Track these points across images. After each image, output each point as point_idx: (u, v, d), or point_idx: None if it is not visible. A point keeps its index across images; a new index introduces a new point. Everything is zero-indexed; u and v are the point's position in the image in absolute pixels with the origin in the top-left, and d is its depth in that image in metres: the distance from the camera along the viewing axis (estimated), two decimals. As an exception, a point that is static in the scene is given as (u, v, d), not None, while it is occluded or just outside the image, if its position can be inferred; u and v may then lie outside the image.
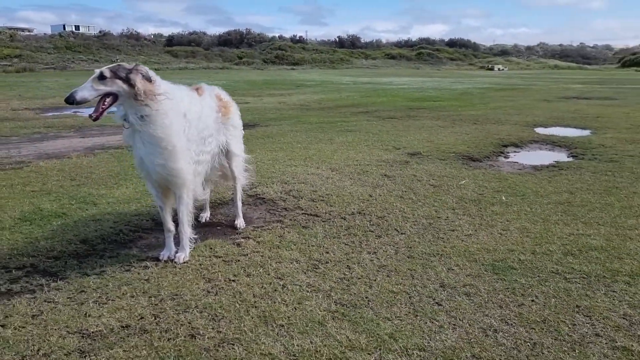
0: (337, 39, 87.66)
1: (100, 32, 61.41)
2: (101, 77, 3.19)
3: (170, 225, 3.84)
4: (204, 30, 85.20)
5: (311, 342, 2.61)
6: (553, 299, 3.07)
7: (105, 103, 3.24)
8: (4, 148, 7.94)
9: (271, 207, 5.02)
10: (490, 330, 2.74)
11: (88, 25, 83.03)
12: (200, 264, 3.63)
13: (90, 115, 3.30)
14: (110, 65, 3.30)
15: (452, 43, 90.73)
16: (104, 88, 3.19)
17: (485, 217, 4.65)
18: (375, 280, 3.35)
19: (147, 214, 4.70)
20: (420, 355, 2.51)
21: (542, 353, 2.53)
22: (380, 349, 2.55)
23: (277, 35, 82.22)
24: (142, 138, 3.38)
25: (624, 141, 8.72)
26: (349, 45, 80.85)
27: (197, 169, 3.80)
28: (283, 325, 2.78)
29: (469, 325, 2.79)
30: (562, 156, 7.72)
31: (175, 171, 3.49)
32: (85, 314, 2.91)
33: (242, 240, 4.13)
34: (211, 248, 3.94)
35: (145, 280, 3.36)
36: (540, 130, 10.20)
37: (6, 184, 5.62)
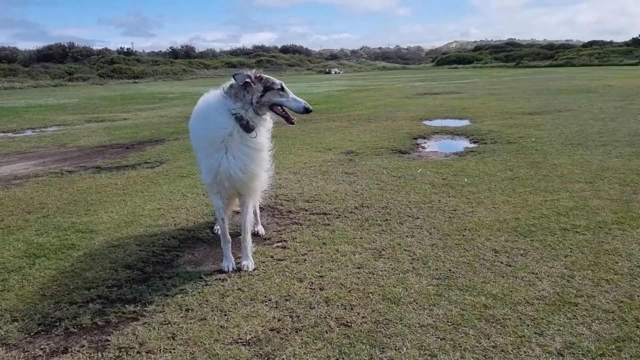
0: (171, 50, 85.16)
1: None
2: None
3: (229, 237, 3.87)
4: (13, 45, 75.88)
5: (447, 308, 2.99)
6: (585, 248, 3.83)
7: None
8: None
9: (273, 212, 5.17)
10: (565, 276, 3.38)
11: None
12: (271, 269, 3.73)
13: (292, 122, 3.52)
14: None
15: (285, 49, 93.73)
16: None
17: (468, 196, 5.37)
18: (441, 257, 3.81)
19: (161, 234, 4.56)
20: (535, 306, 3.03)
21: (606, 285, 3.23)
22: (495, 307, 3.03)
23: (100, 48, 76.91)
24: (244, 145, 3.41)
25: (504, 127, 10.29)
26: (184, 56, 78.97)
27: None
28: (411, 302, 3.11)
29: (547, 276, 3.40)
30: (466, 143, 8.89)
31: (262, 179, 3.58)
32: (221, 326, 2.92)
33: (281, 243, 4.28)
34: (262, 254, 4.04)
35: (239, 290, 3.40)
36: (428, 123, 11.48)
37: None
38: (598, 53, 58.48)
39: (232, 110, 3.41)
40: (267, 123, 3.55)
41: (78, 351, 2.73)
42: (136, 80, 45.63)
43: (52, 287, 3.49)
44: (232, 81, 3.47)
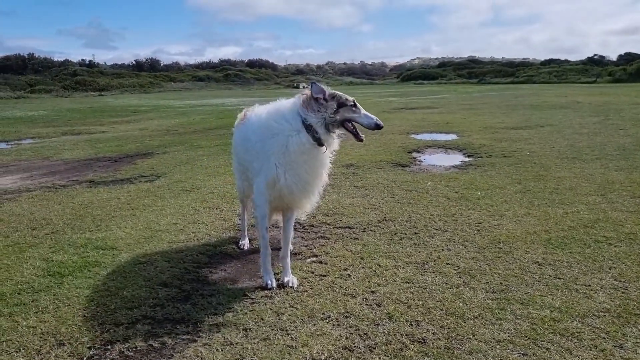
0: (135, 62, 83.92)
1: None
2: None
3: (270, 250, 3.74)
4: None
5: (515, 322, 2.95)
6: (626, 260, 3.87)
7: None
8: None
9: (295, 226, 5.03)
10: (619, 288, 3.39)
11: None
12: (316, 284, 3.62)
13: (361, 140, 3.44)
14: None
15: (251, 64, 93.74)
16: None
17: (487, 209, 5.38)
18: (486, 270, 3.77)
19: (187, 250, 4.38)
20: (602, 319, 3.03)
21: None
22: (564, 320, 3.01)
23: (61, 59, 75.11)
24: (312, 160, 3.32)
25: (493, 140, 10.47)
26: (149, 69, 78.00)
27: None
28: (476, 317, 3.05)
29: (601, 288, 3.41)
30: (461, 156, 8.99)
31: (317, 198, 3.54)
32: (289, 346, 2.79)
33: (316, 258, 4.17)
34: (299, 269, 3.92)
35: (292, 307, 3.27)
36: (417, 137, 11.59)
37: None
38: (556, 71, 60.73)
39: (306, 122, 3.31)
40: (335, 142, 3.46)
41: (143, 377, 2.54)
42: (102, 93, 44.54)
43: (90, 307, 3.28)
44: (306, 92, 3.38)
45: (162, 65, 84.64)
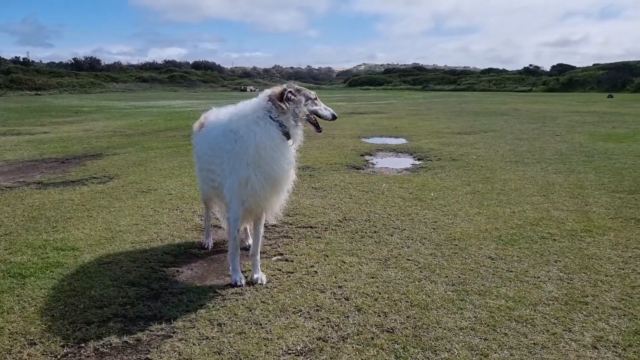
0: (74, 61, 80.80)
1: None
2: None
3: (239, 250, 3.81)
4: None
5: (475, 311, 3.17)
6: (569, 254, 4.20)
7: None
8: None
9: (257, 226, 5.12)
10: (564, 279, 3.69)
11: None
12: (285, 281, 3.72)
13: (321, 130, 3.65)
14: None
15: (197, 65, 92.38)
16: None
17: (441, 209, 5.65)
18: (444, 265, 4.00)
19: (151, 250, 4.37)
20: (552, 306, 3.30)
21: (603, 285, 3.59)
22: (518, 308, 3.26)
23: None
24: (283, 158, 3.41)
25: (441, 145, 10.91)
26: (88, 68, 75.30)
27: None
28: (439, 307, 3.25)
29: (549, 279, 3.69)
30: (411, 160, 9.32)
31: (286, 196, 3.65)
32: (264, 338, 2.88)
33: (281, 256, 4.27)
34: (266, 267, 4.01)
35: (264, 302, 3.36)
36: (368, 141, 11.88)
37: None
38: (495, 80, 63.46)
39: (274, 117, 3.42)
40: (300, 136, 3.58)
41: (121, 372, 2.57)
42: (39, 93, 42.72)
43: (58, 307, 3.24)
44: (268, 92, 3.49)
45: (102, 64, 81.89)
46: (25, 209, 5.66)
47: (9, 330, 2.94)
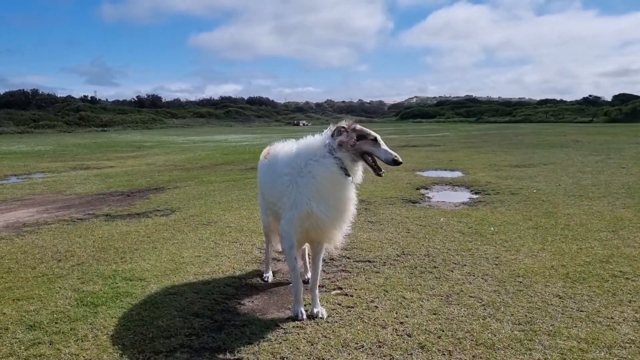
0: (137, 99, 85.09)
1: None
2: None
3: (302, 282, 3.85)
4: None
5: (545, 352, 3.04)
6: (643, 292, 3.98)
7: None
8: None
9: (316, 260, 5.14)
10: (636, 319, 3.50)
11: None
12: (345, 316, 3.71)
13: (379, 174, 3.63)
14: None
15: (251, 101, 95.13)
16: None
17: (502, 244, 5.51)
18: (509, 303, 3.87)
19: (213, 282, 4.48)
20: (628, 350, 3.12)
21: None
22: (591, 350, 3.10)
23: (64, 95, 75.96)
24: (343, 192, 3.47)
25: (498, 178, 10.67)
26: (150, 105, 79.07)
27: None
28: (506, 347, 3.15)
29: (624, 320, 3.51)
30: (468, 193, 9.15)
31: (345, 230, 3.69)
32: (328, 374, 2.87)
33: (340, 290, 4.26)
34: (326, 301, 4.01)
35: (325, 337, 3.35)
36: (423, 174, 11.79)
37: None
38: (553, 110, 61.74)
39: (334, 153, 3.49)
40: (359, 174, 3.62)
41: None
42: (105, 129, 45.11)
43: (128, 336, 3.36)
44: (331, 129, 3.57)
45: (163, 101, 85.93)
46: (95, 240, 5.95)
47: (84, 357, 3.08)
